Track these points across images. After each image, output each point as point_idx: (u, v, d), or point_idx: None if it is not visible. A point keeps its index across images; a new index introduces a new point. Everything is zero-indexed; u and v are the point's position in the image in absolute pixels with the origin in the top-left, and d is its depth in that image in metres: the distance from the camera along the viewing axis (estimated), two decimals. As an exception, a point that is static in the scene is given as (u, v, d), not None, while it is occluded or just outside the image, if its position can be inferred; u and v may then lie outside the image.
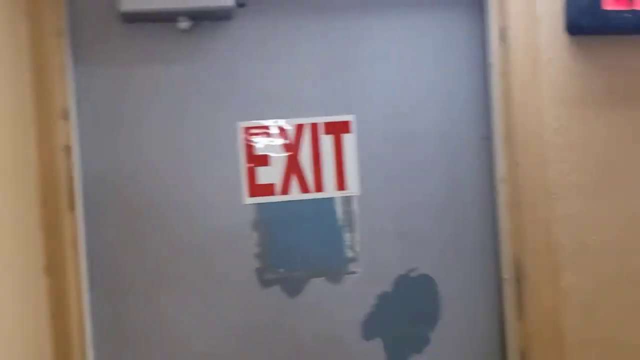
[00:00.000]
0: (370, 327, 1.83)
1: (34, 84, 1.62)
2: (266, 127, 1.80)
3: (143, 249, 1.76)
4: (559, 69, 1.71)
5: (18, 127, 1.54)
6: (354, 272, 1.83)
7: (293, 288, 1.81)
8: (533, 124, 1.72)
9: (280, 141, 1.80)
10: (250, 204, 1.79)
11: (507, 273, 1.81)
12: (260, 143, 1.80)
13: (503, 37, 1.76)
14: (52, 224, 1.63)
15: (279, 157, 1.80)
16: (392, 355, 1.84)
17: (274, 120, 1.80)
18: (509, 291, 1.81)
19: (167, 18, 1.71)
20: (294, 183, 1.80)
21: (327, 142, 1.82)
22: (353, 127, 1.82)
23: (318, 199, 1.82)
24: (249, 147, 1.79)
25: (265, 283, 1.80)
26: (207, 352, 1.78)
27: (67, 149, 1.67)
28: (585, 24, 1.65)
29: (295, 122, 1.81)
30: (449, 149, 1.86)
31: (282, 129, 1.81)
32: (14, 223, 1.46)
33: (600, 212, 1.71)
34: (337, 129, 1.82)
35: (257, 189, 1.79)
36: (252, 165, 1.79)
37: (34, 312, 1.55)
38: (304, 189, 1.81)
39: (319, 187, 1.82)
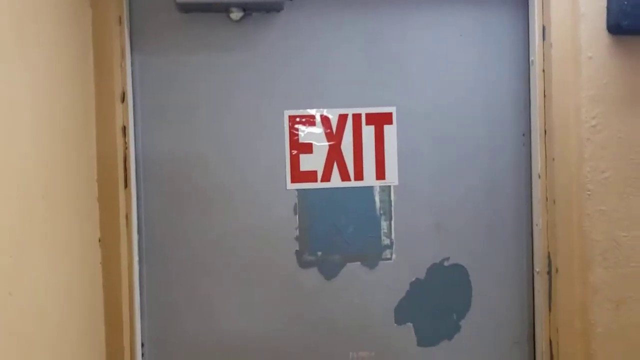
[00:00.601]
0: (402, 312, 1.88)
1: (96, 68, 1.70)
2: (311, 117, 1.85)
3: (190, 227, 1.83)
4: (599, 68, 1.70)
5: (82, 108, 1.62)
6: (388, 259, 1.88)
7: (330, 271, 1.87)
8: (571, 121, 1.73)
9: (323, 130, 1.85)
10: (292, 190, 1.85)
11: (539, 266, 1.84)
12: (305, 131, 1.85)
13: (545, 34, 1.78)
14: (108, 199, 1.71)
15: (321, 146, 1.85)
16: (422, 340, 1.89)
17: (318, 109, 1.85)
18: (540, 284, 1.83)
19: (220, 9, 1.78)
20: (335, 171, 1.85)
21: (368, 132, 1.85)
22: (394, 118, 1.86)
23: (358, 187, 1.86)
24: (294, 135, 1.84)
25: (304, 264, 1.86)
26: (247, 326, 1.85)
27: (124, 130, 1.75)
28: (626, 23, 1.64)
29: (338, 112, 1.85)
30: (487, 143, 1.88)
31: (326, 119, 1.85)
32: (75, 197, 1.55)
33: (633, 209, 1.72)
34: (379, 120, 1.85)
35: (300, 176, 1.85)
36: (296, 152, 1.84)
37: (90, 280, 1.65)
38: (345, 177, 1.85)
39: (359, 176, 1.86)
